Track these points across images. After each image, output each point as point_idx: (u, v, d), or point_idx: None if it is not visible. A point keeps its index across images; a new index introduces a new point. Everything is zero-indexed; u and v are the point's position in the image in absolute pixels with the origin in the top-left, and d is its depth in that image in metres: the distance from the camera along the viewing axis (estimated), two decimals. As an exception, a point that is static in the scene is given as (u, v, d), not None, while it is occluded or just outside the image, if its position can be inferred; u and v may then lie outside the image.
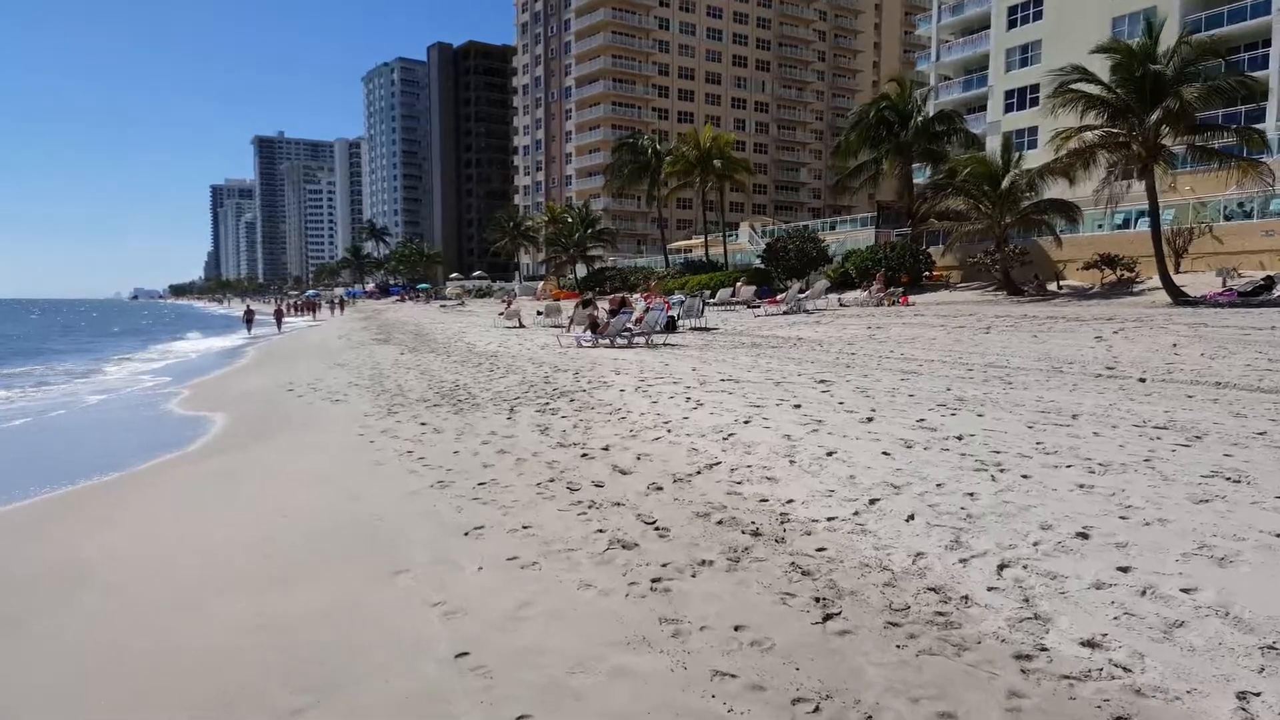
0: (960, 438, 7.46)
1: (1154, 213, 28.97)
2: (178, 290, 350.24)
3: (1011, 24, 62.25)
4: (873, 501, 5.56)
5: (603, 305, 30.29)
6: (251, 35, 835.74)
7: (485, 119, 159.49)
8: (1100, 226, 39.53)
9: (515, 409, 11.07)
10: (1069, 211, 36.72)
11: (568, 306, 43.86)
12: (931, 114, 49.53)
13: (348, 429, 10.67)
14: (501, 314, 36.83)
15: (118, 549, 6.08)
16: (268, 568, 5.28)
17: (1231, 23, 47.87)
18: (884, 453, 6.97)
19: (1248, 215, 35.71)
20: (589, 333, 22.17)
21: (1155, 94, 26.86)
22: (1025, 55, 61.57)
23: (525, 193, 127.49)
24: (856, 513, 5.33)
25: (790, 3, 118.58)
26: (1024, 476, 5.98)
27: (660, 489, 6.34)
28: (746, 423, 8.75)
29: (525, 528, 5.61)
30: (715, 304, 37.72)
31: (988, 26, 64.63)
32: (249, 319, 46.33)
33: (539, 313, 36.68)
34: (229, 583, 5.06)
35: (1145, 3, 52.56)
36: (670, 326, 24.18)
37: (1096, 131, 28.39)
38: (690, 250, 78.16)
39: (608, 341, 21.59)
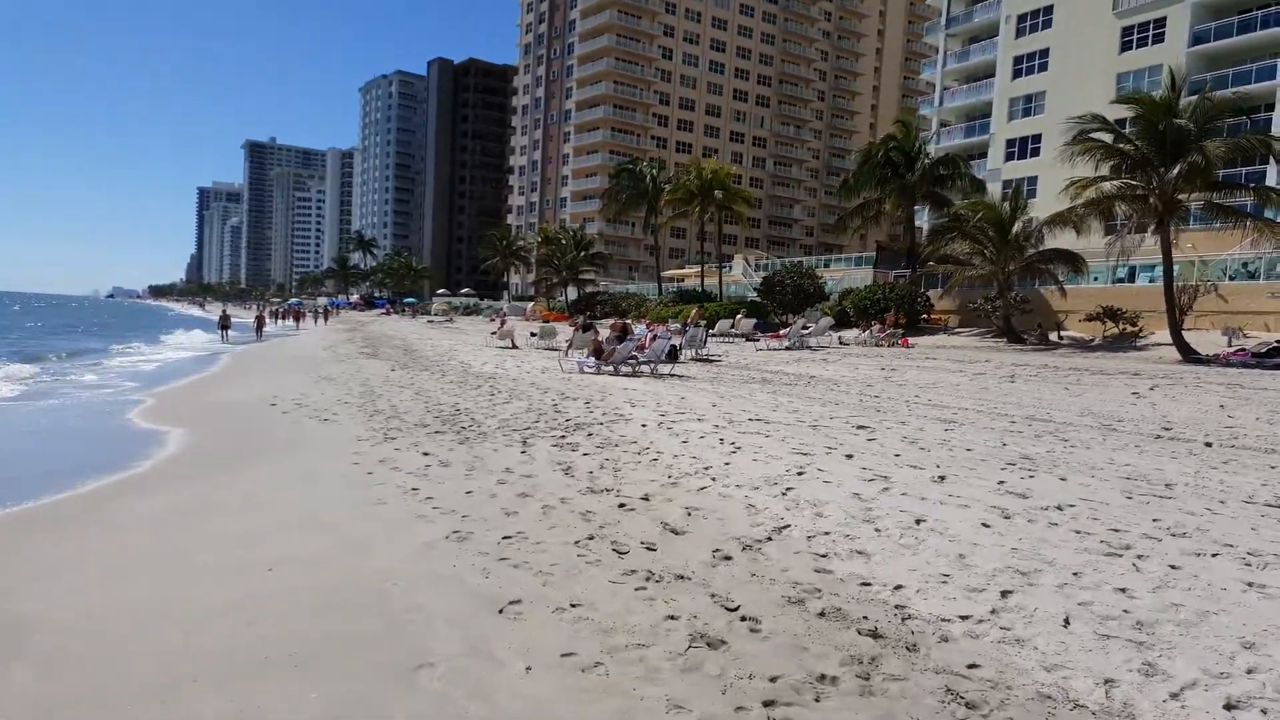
0: (1060, 508, 6.47)
1: (1168, 269, 28.41)
2: (157, 291, 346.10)
3: (1016, 74, 62.41)
4: (1005, 594, 4.54)
5: (603, 330, 29.31)
6: (250, 41, 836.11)
7: (481, 137, 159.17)
8: (1096, 279, 39.11)
9: (529, 442, 9.99)
10: (1074, 262, 36.30)
11: (562, 329, 42.91)
12: (935, 157, 49.17)
13: (340, 455, 9.54)
14: (494, 333, 35.77)
15: (54, 608, 4.93)
16: (253, 644, 4.17)
17: (1236, 85, 47.98)
18: (983, 524, 5.95)
19: (1251, 275, 35.38)
20: (592, 358, 21.13)
21: (1176, 148, 26.39)
22: (1028, 105, 61.73)
23: (519, 213, 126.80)
24: (994, 610, 4.31)
25: (793, 41, 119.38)
26: (1172, 567, 4.98)
27: (729, 559, 5.28)
28: (800, 474, 7.72)
29: (574, 605, 4.53)
30: (715, 335, 36.79)
31: (991, 75, 64.78)
32: (224, 324, 44.29)
33: (533, 334, 35.62)
34: (204, 665, 3.94)
35: (1151, 60, 52.76)
36: (673, 355, 23.25)
37: (1114, 182, 27.87)
38: (683, 279, 77.55)
39: (611, 369, 20.56)
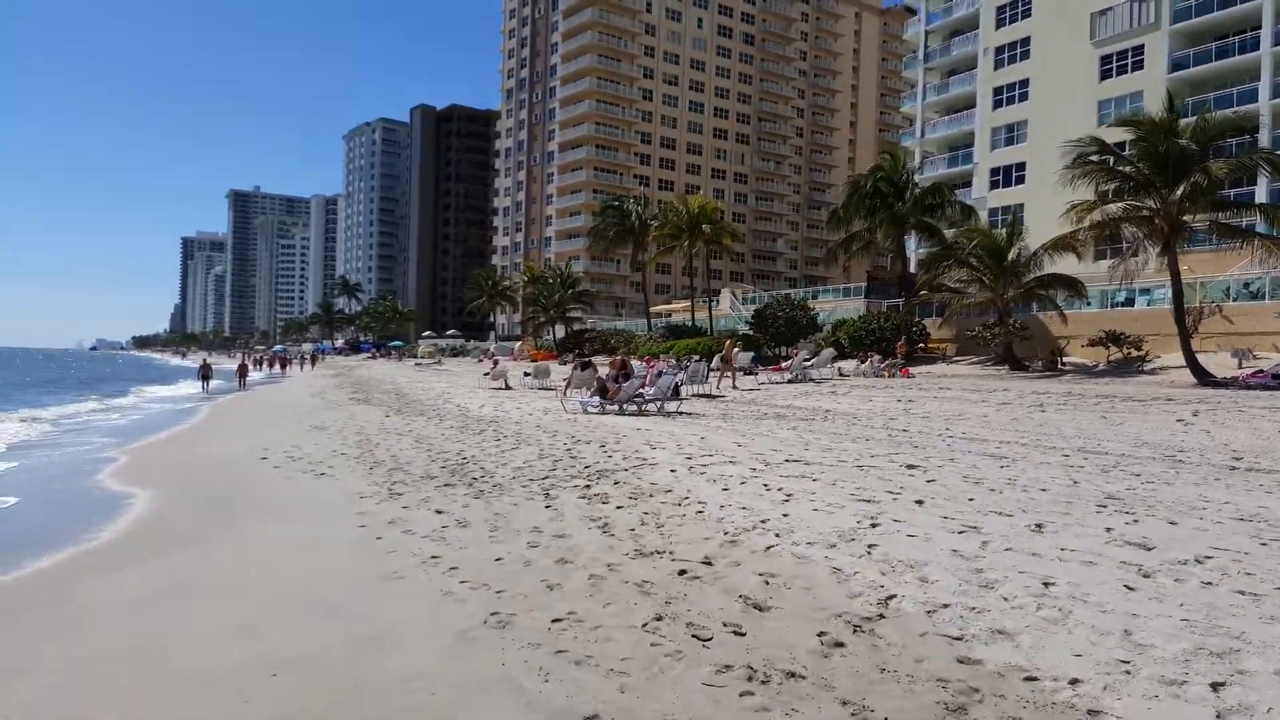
0: (1199, 560, 5.54)
1: (1177, 291, 27.86)
2: (141, 342, 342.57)
3: (997, 104, 62.75)
4: (1216, 686, 3.58)
5: (602, 369, 28.37)
6: (233, 89, 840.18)
7: (465, 180, 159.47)
8: (1090, 303, 38.65)
9: (551, 494, 9.00)
10: (1074, 287, 35.84)
11: (554, 368, 41.91)
12: (924, 186, 48.93)
13: (343, 516, 8.51)
14: (487, 374, 34.79)
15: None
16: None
17: (1219, 109, 48.14)
18: (1125, 586, 5.02)
19: (1254, 296, 34.98)
20: (596, 398, 20.17)
21: (1178, 169, 25.99)
22: (1010, 135, 61.98)
23: (503, 253, 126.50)
24: (1219, 716, 3.35)
25: (770, 80, 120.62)
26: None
27: (840, 645, 4.30)
28: (874, 525, 6.77)
29: (673, 728, 3.55)
30: (714, 370, 35.90)
31: (972, 106, 65.14)
32: (205, 374, 42.30)
33: (526, 374, 34.68)
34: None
35: (1132, 87, 53.08)
36: (675, 392, 22.34)
37: (1119, 204, 27.40)
38: (670, 314, 76.97)
39: (615, 408, 19.60)
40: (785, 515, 7.27)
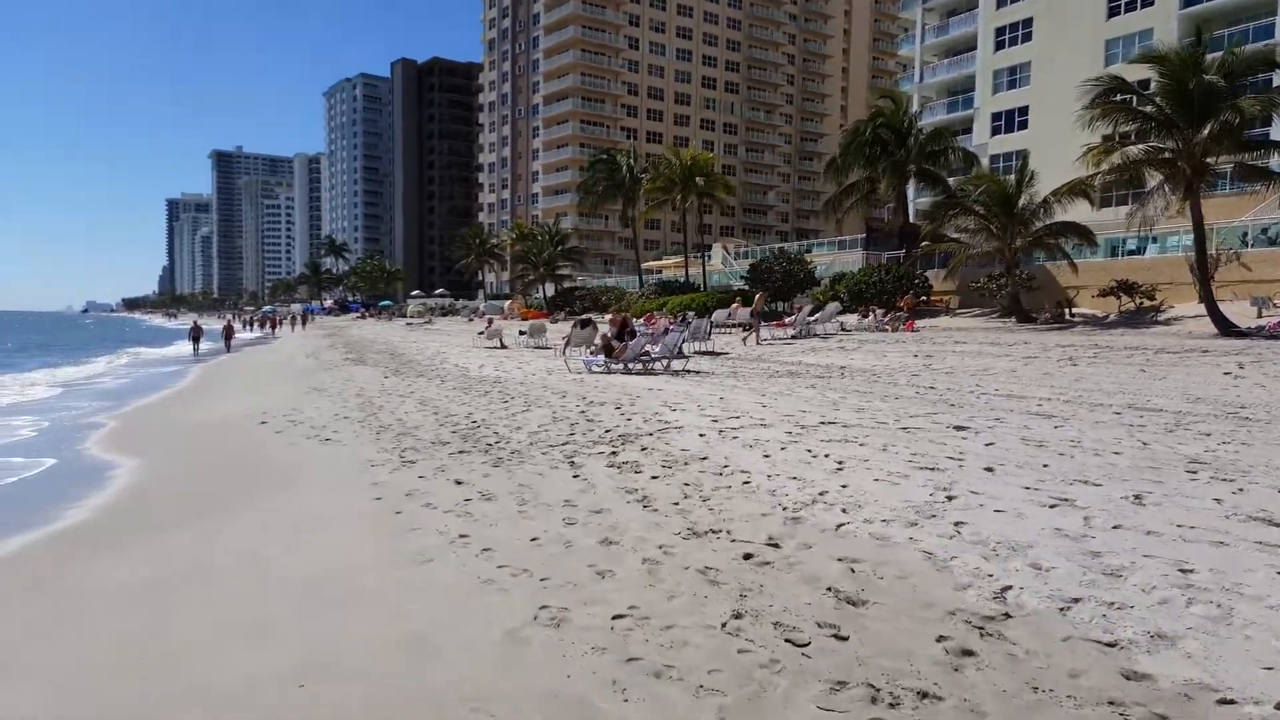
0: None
1: (1199, 238, 27.06)
2: (130, 304, 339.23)
3: (999, 45, 61.17)
4: None
5: (602, 327, 27.57)
6: (211, 50, 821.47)
7: (449, 136, 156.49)
8: (1094, 254, 37.84)
9: (576, 461, 8.29)
10: (1085, 235, 35.03)
11: (551, 326, 41.11)
12: (926, 132, 47.72)
13: (355, 487, 7.79)
14: (481, 333, 33.96)
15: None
16: None
17: (1234, 46, 47.05)
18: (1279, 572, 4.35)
19: (1271, 242, 34.24)
20: (601, 356, 19.41)
21: (1204, 107, 24.98)
22: (1013, 77, 60.53)
23: (490, 210, 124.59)
24: None
25: (759, 26, 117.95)
26: None
27: (969, 653, 3.60)
28: (950, 498, 6.10)
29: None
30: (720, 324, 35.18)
31: (972, 48, 63.56)
32: (195, 336, 40.66)
33: (521, 333, 33.83)
34: None
35: (1141, 25, 51.72)
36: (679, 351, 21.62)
37: (1140, 146, 26.45)
38: (660, 270, 75.95)
39: (621, 366, 18.88)
40: (844, 487, 6.58)
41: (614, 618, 4.21)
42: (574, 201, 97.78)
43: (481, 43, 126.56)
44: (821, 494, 6.38)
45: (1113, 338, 24.54)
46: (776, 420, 10.24)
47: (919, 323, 36.66)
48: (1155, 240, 37.86)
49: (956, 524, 5.42)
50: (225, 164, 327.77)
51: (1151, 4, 51.56)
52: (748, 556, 5.02)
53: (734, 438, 9.05)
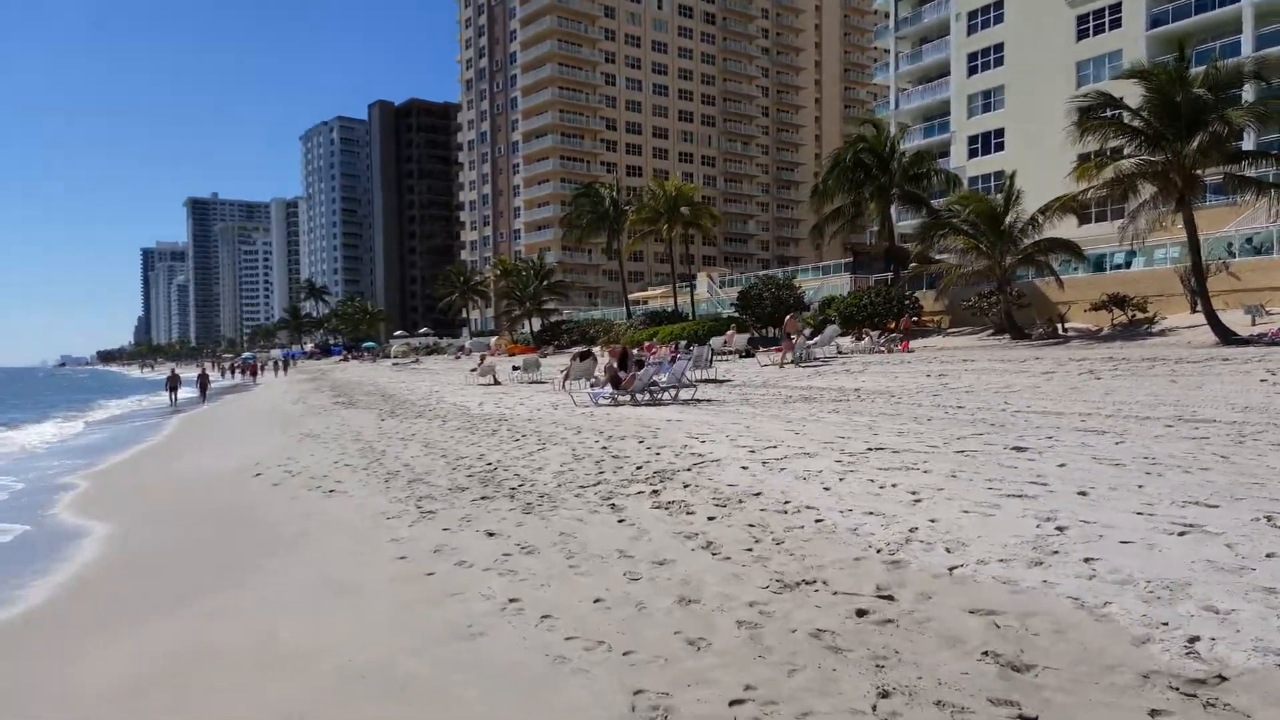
0: None
1: (1194, 248, 26.89)
2: (106, 356, 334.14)
3: (972, 70, 61.76)
4: None
5: (602, 359, 26.91)
6: (184, 96, 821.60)
7: (428, 175, 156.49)
8: (1077, 269, 37.66)
9: (616, 505, 7.55)
10: (1074, 250, 34.93)
11: (545, 361, 40.36)
12: (909, 156, 47.76)
13: (374, 545, 7.00)
14: (474, 370, 33.17)
15: None
16: None
17: (1201, 64, 47.55)
18: None
19: (1257, 250, 34.21)
20: (607, 388, 18.70)
21: (1191, 120, 24.93)
22: (987, 101, 61.05)
23: (472, 248, 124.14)
24: None
25: (733, 59, 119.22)
26: None
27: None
28: (1060, 529, 5.41)
29: None
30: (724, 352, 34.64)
31: (946, 74, 64.13)
32: (173, 386, 38.37)
33: (515, 368, 33.07)
34: None
35: (1111, 46, 52.33)
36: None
37: (1133, 160, 26.32)
38: (646, 301, 75.49)
39: (628, 398, 18.18)
40: (933, 522, 5.88)
41: (731, 704, 3.46)
42: (557, 236, 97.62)
43: (459, 83, 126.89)
44: (911, 531, 5.68)
45: (1115, 350, 24.12)
46: (818, 448, 9.56)
47: (914, 343, 36.28)
48: (1141, 254, 37.78)
49: (1087, 560, 4.74)
50: (201, 211, 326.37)
51: (1120, 25, 52.25)
52: (862, 613, 4.30)
53: (781, 469, 8.35)
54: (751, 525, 6.24)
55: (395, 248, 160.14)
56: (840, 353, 34.04)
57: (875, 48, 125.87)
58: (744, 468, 8.64)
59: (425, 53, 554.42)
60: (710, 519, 6.60)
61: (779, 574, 5.04)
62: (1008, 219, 35.75)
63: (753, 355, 34.97)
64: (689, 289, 61.59)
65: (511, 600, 5.11)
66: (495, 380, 30.80)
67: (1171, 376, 15.27)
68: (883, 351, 33.74)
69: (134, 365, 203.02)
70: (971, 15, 61.47)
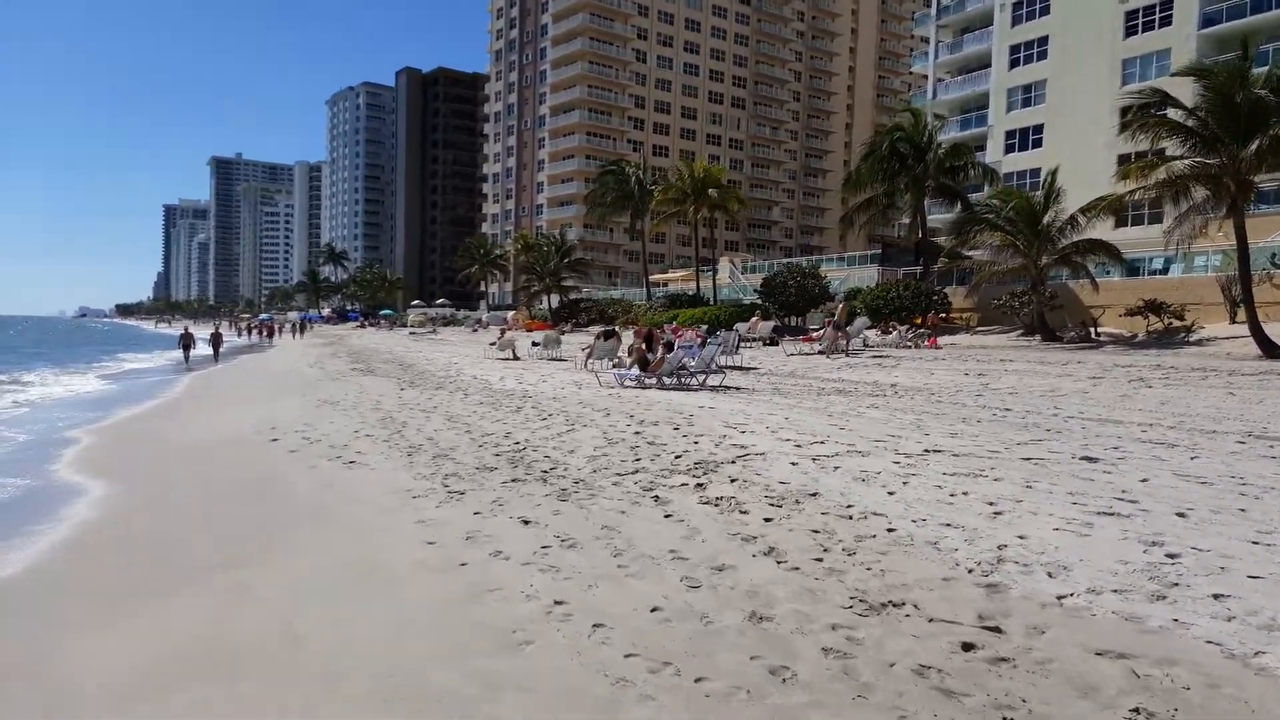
0: None
1: (1243, 256, 25.99)
2: (124, 310, 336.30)
3: (1014, 64, 60.32)
4: None
5: (627, 339, 26.36)
6: (211, 57, 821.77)
7: (452, 146, 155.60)
8: (1109, 273, 36.70)
9: (658, 495, 7.01)
10: (1112, 253, 34.03)
11: (566, 339, 39.82)
12: (946, 148, 46.71)
13: (399, 526, 6.49)
14: (493, 344, 32.68)
15: None
16: None
17: (1257, 67, 46.21)
18: None
19: (1297, 262, 33.17)
20: (635, 369, 18.13)
21: (1251, 123, 23.97)
22: (1028, 95, 59.67)
23: (493, 221, 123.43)
24: None
25: (766, 41, 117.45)
26: None
27: None
28: (1172, 556, 4.82)
29: None
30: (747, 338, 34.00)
31: (987, 65, 62.73)
32: (186, 344, 36.99)
33: (535, 344, 32.57)
34: None
35: (1159, 45, 50.93)
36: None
37: (1186, 161, 25.39)
38: (666, 284, 74.79)
39: (654, 381, 17.62)
40: (1022, 538, 5.30)
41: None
42: (579, 213, 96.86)
43: (488, 53, 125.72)
44: (1001, 548, 5.11)
45: (1156, 358, 23.35)
46: (869, 446, 8.97)
47: (942, 340, 35.55)
48: (1179, 260, 36.81)
49: (1216, 597, 4.16)
50: (224, 171, 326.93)
51: (1170, 24, 50.77)
52: (968, 647, 3.74)
53: (835, 468, 7.77)
54: (816, 531, 5.68)
55: (416, 217, 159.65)
56: (866, 345, 33.37)
57: (912, 36, 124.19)
58: (793, 464, 8.07)
59: (455, 22, 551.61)
60: (767, 520, 6.04)
61: (859, 592, 4.48)
62: (1046, 217, 34.86)
63: (777, 344, 34.35)
64: (710, 273, 60.74)
65: (558, 602, 4.57)
66: (514, 355, 30.32)
67: (1228, 389, 14.56)
68: (909, 347, 33.05)
69: (151, 320, 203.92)
70: (1017, 5, 59.96)
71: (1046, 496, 6.42)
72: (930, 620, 4.06)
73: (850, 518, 5.99)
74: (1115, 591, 4.30)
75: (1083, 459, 8.14)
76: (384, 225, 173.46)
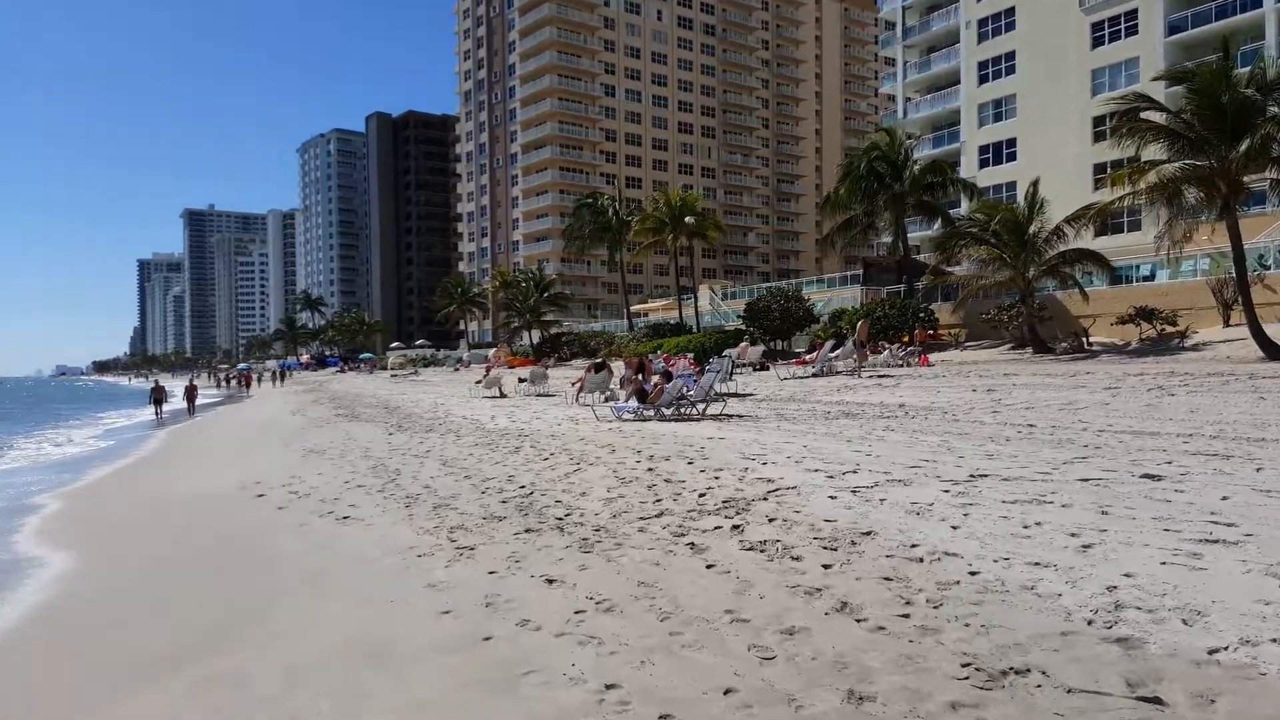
0: None
1: (1239, 257, 25.77)
2: (101, 366, 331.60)
3: (983, 79, 60.89)
4: None
5: (618, 371, 25.71)
6: (181, 107, 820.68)
7: (425, 187, 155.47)
8: (1094, 281, 36.53)
9: (694, 542, 6.27)
10: (1100, 262, 33.87)
11: (555, 374, 39.02)
12: (924, 164, 46.72)
13: (407, 593, 5.70)
14: (479, 382, 31.89)
15: None
16: None
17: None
18: None
19: (1285, 264, 33.13)
20: (633, 401, 17.42)
21: (1238, 123, 23.84)
22: (999, 110, 60.18)
23: (470, 259, 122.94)
24: None
25: (733, 70, 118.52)
26: None
27: None
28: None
29: None
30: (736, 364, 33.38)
31: (956, 83, 63.27)
32: (158, 399, 35.04)
33: (521, 380, 31.82)
34: None
35: (1127, 54, 51.51)
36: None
37: (1174, 165, 25.21)
38: (646, 314, 74.27)
39: (652, 412, 16.91)
40: (1129, 577, 4.62)
41: None
42: (555, 248, 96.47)
43: (457, 94, 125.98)
44: (1110, 590, 4.42)
45: (1156, 365, 22.93)
46: (905, 473, 8.29)
47: (933, 356, 35.14)
48: (1166, 266, 36.75)
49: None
50: (197, 222, 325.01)
51: (1136, 33, 51.38)
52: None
53: (881, 500, 7.08)
54: (888, 579, 4.97)
55: (392, 259, 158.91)
56: (822, 372, 32.84)
57: (877, 59, 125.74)
58: (831, 497, 7.37)
59: (424, 65, 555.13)
60: (826, 567, 5.32)
61: (969, 656, 3.77)
62: (1032, 228, 34.68)
63: (768, 368, 33.78)
64: (691, 301, 60.35)
65: (609, 686, 3.82)
66: (501, 393, 29.55)
67: (1255, 394, 14.04)
68: (901, 365, 32.57)
69: (128, 375, 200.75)
70: (982, 23, 60.63)
71: (1130, 523, 5.76)
72: (1069, 691, 3.35)
73: (921, 560, 5.29)
74: (1276, 641, 3.62)
75: (1144, 477, 7.50)
76: (360, 269, 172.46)
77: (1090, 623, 4.03)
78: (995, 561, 5.09)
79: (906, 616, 4.33)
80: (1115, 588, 4.46)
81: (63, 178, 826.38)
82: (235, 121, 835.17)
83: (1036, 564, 4.98)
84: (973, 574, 4.92)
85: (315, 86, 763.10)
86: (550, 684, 3.93)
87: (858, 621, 4.34)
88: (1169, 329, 31.89)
